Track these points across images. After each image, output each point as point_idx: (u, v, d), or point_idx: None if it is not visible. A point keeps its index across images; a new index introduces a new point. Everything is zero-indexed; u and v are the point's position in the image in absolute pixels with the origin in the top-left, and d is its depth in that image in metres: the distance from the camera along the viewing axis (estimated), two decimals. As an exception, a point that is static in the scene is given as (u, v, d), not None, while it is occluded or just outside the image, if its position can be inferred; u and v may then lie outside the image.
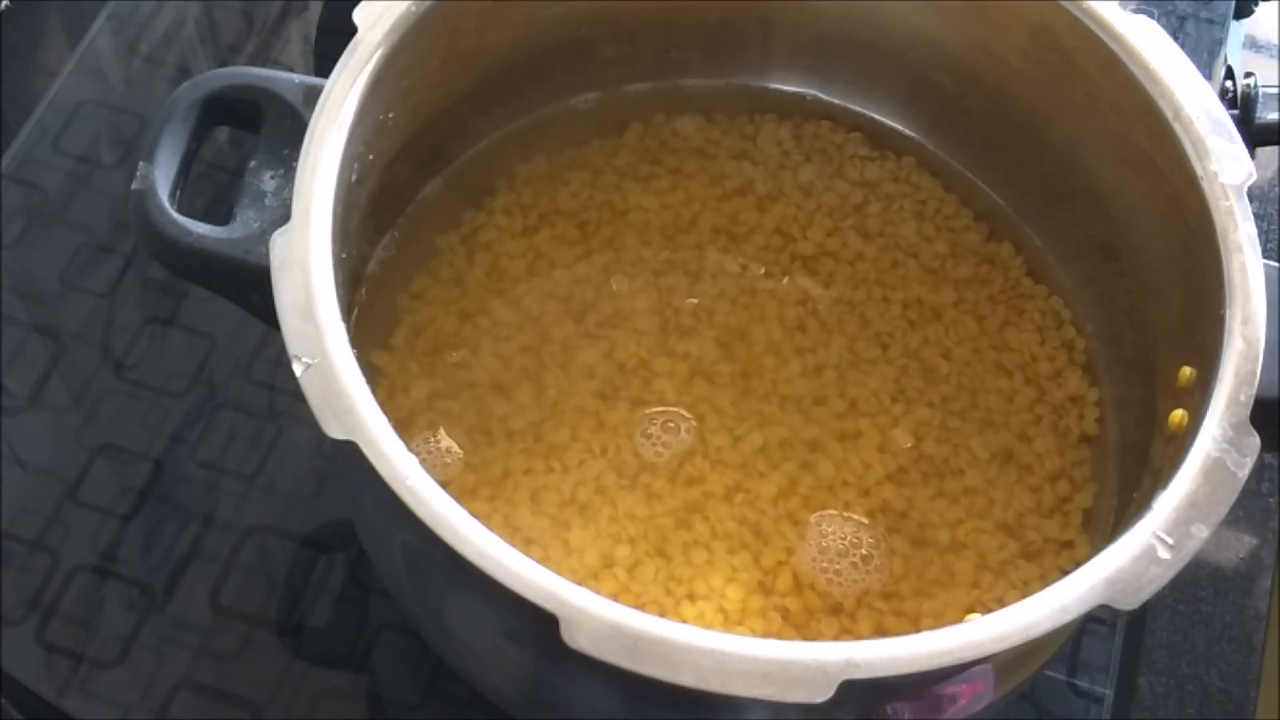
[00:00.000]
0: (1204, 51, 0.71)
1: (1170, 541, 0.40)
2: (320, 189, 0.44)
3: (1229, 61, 0.71)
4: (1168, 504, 0.40)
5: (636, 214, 0.57)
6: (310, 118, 0.45)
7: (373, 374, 0.51)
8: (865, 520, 0.51)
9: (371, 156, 0.49)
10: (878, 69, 0.58)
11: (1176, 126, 0.47)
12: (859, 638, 0.45)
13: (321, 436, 0.39)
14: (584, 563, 0.49)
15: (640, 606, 0.45)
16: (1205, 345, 0.44)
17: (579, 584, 0.38)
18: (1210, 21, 0.72)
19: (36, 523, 0.56)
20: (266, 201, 0.46)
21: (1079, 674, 0.55)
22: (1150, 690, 0.55)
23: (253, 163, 0.47)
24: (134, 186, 0.46)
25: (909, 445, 0.52)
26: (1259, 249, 0.45)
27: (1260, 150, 0.67)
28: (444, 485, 0.39)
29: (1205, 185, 0.46)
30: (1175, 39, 0.49)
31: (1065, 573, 0.40)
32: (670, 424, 0.52)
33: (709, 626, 0.47)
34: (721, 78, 0.60)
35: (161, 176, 0.46)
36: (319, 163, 0.44)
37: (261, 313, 0.45)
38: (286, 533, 0.56)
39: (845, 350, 0.54)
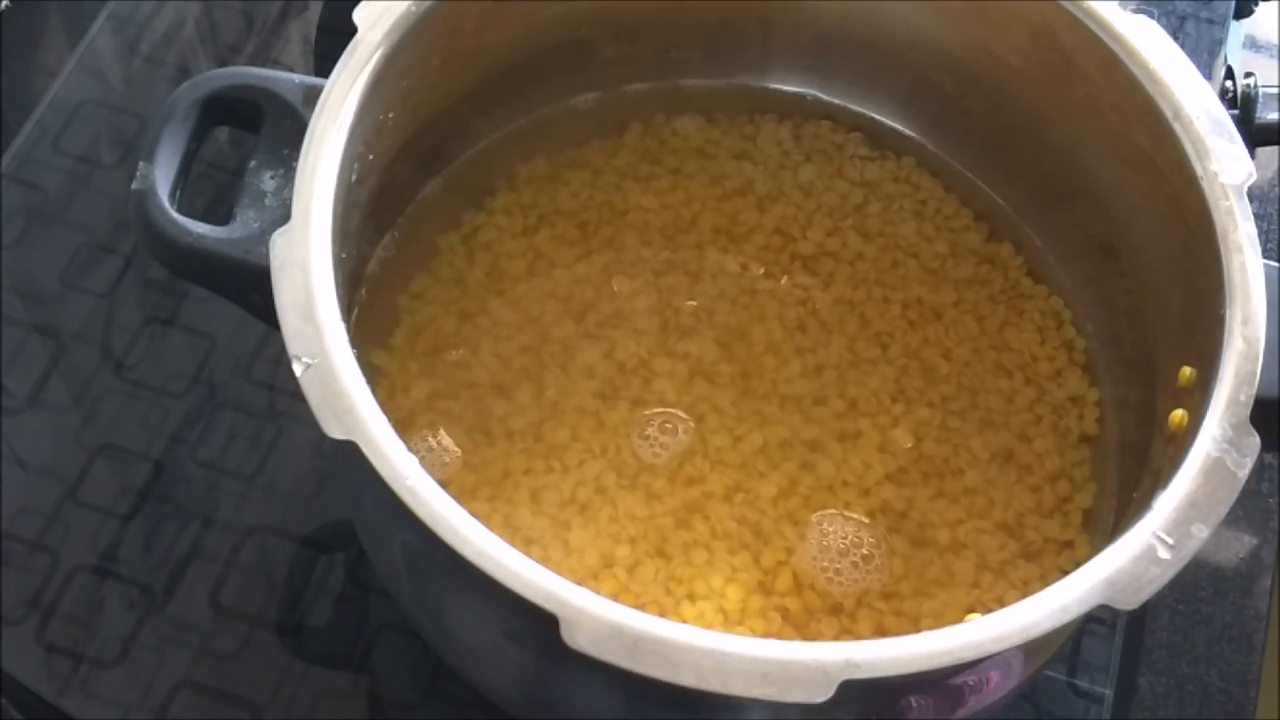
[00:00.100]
0: (1204, 51, 0.71)
1: (1170, 541, 0.40)
2: (320, 189, 0.44)
3: (1229, 61, 0.71)
4: (1168, 504, 0.40)
5: (636, 214, 0.57)
6: (310, 118, 0.45)
7: (373, 374, 0.51)
8: (866, 520, 0.51)
9: (371, 156, 0.49)
10: (878, 69, 0.58)
11: (1176, 126, 0.47)
12: (859, 638, 0.45)
13: (321, 436, 0.39)
14: (584, 563, 0.49)
15: (640, 606, 0.45)
16: (1205, 345, 0.44)
17: (579, 584, 0.38)
18: (1210, 21, 0.72)
19: (36, 523, 0.56)
20: (266, 201, 0.46)
21: (1079, 674, 0.55)
22: (1150, 690, 0.55)
23: (253, 163, 0.47)
24: (134, 186, 0.46)
25: (909, 445, 0.52)
26: (1259, 249, 0.45)
27: (1260, 150, 0.67)
28: (444, 485, 0.39)
29: (1205, 185, 0.46)
30: (1175, 39, 0.49)
31: (1065, 573, 0.40)
32: (668, 425, 0.52)
33: (709, 626, 0.47)
34: (721, 78, 0.60)
35: (161, 176, 0.46)
36: (319, 163, 0.44)
37: (261, 313, 0.45)
38: (286, 533, 0.56)
39: (845, 350, 0.54)
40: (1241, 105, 0.65)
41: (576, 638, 0.37)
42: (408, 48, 0.48)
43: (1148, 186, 0.49)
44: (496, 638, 0.44)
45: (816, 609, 0.49)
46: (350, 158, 0.45)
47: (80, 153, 0.64)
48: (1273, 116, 0.64)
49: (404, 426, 0.51)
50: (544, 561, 0.38)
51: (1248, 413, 0.42)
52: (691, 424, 0.52)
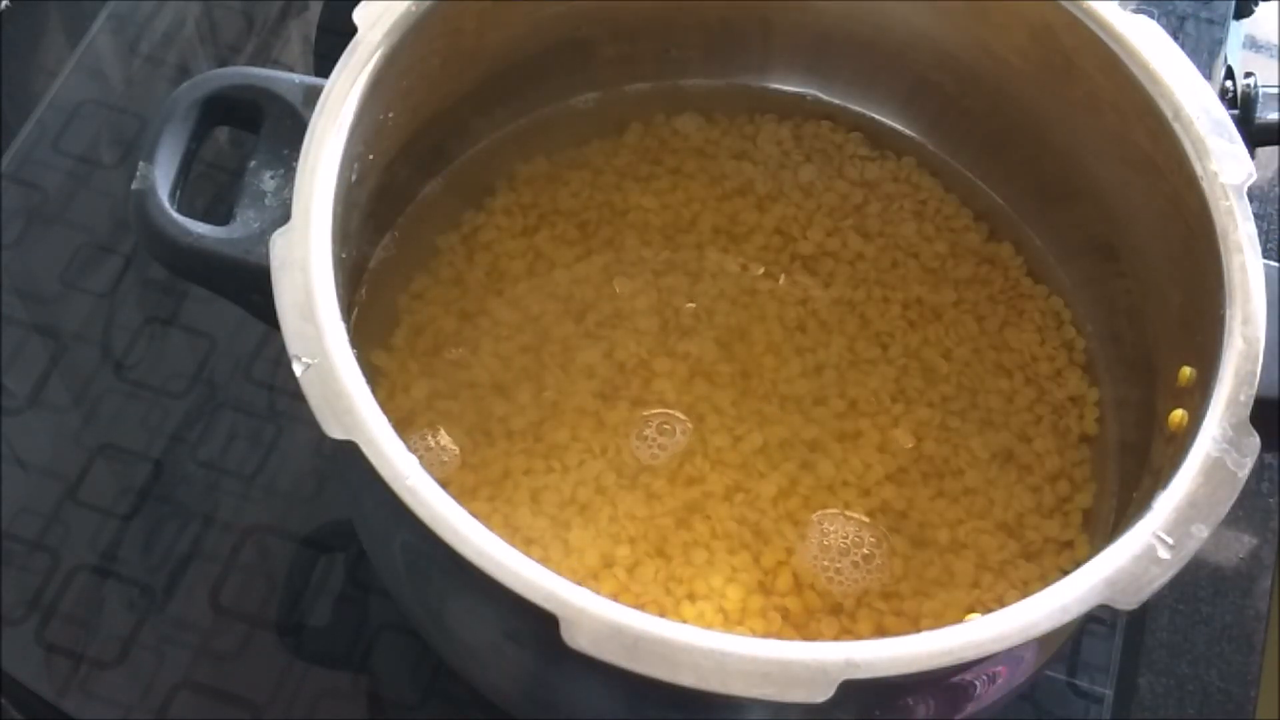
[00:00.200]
0: (1204, 51, 0.71)
1: (1170, 541, 0.40)
2: (320, 189, 0.44)
3: (1229, 61, 0.71)
4: (1168, 504, 0.40)
5: (636, 214, 0.57)
6: (310, 118, 0.45)
7: (373, 374, 0.51)
8: (866, 520, 0.51)
9: (371, 156, 0.49)
10: (878, 69, 0.58)
11: (1176, 126, 0.47)
12: (859, 638, 0.45)
13: (321, 436, 0.39)
14: (584, 563, 0.49)
15: (640, 606, 0.45)
16: (1205, 345, 0.44)
17: (579, 584, 0.38)
18: (1210, 21, 0.72)
19: (36, 523, 0.56)
20: (266, 201, 0.46)
21: (1079, 674, 0.55)
22: (1150, 690, 0.55)
23: (253, 163, 0.47)
24: (134, 186, 0.46)
25: (909, 445, 0.52)
26: (1259, 249, 0.45)
27: (1260, 150, 0.67)
28: (443, 485, 0.39)
29: (1205, 185, 0.46)
30: (1175, 39, 0.49)
31: (1065, 573, 0.40)
32: (666, 426, 0.52)
33: (709, 626, 0.47)
34: (721, 78, 0.60)
35: (161, 176, 0.46)
36: (319, 163, 0.44)
37: (261, 313, 0.45)
38: (286, 533, 0.56)
39: (845, 350, 0.54)
40: (1241, 105, 0.65)
41: (576, 638, 0.37)
42: (408, 48, 0.48)
43: (1148, 186, 0.49)
44: (496, 638, 0.44)
45: (816, 609, 0.49)
46: (350, 158, 0.45)
47: (80, 153, 0.64)
48: (1273, 116, 0.64)
49: (404, 426, 0.51)
50: (544, 561, 0.38)
51: (1248, 413, 0.42)
52: (690, 425, 0.52)
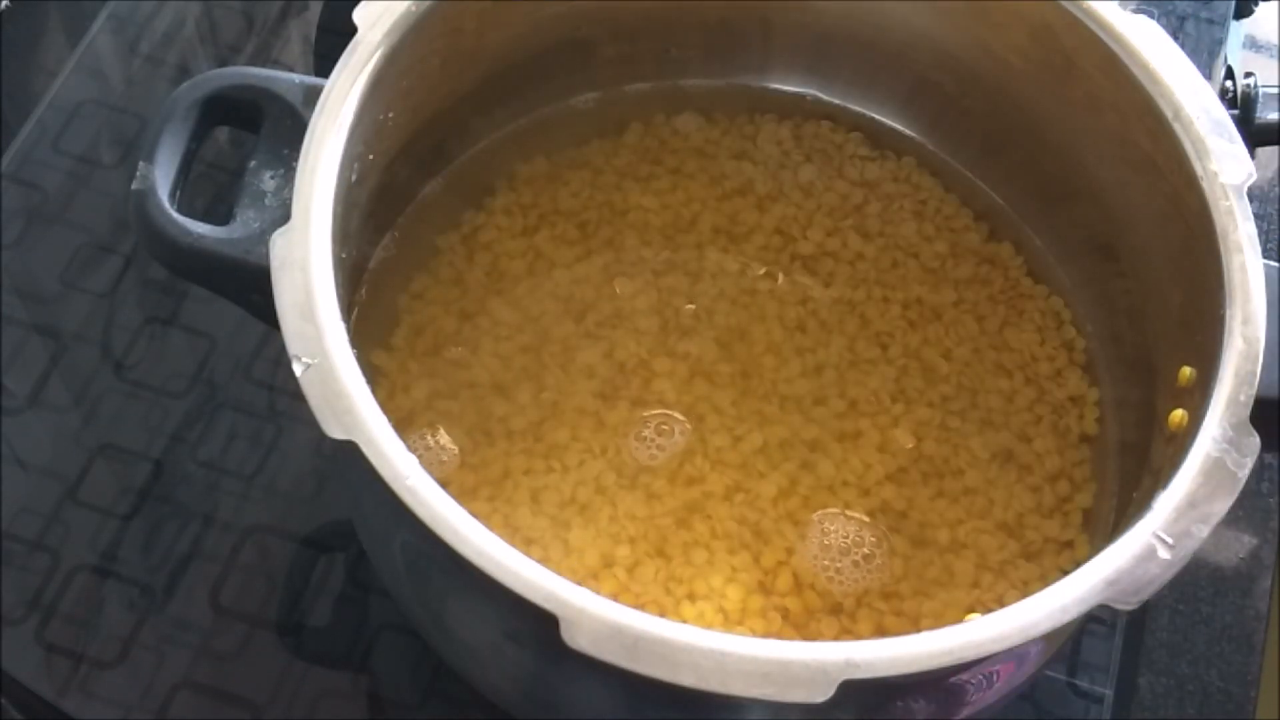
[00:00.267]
0: (1204, 51, 0.71)
1: (1170, 541, 0.40)
2: (320, 189, 0.44)
3: (1229, 61, 0.71)
4: (1168, 504, 0.40)
5: (636, 214, 0.57)
6: (310, 118, 0.45)
7: (373, 374, 0.51)
8: (867, 519, 0.51)
9: (371, 156, 0.49)
10: (878, 69, 0.58)
11: (1176, 126, 0.47)
12: (859, 638, 0.45)
13: (321, 436, 0.39)
14: (584, 563, 0.49)
15: (640, 606, 0.45)
16: (1205, 345, 0.44)
17: (579, 584, 0.38)
18: (1210, 21, 0.72)
19: (36, 523, 0.56)
20: (266, 201, 0.46)
21: (1079, 674, 0.55)
22: (1150, 690, 0.55)
23: (253, 163, 0.47)
24: (134, 186, 0.46)
25: (909, 445, 0.52)
26: (1259, 249, 0.45)
27: (1260, 150, 0.67)
28: (443, 485, 0.39)
29: (1205, 185, 0.46)
30: (1175, 39, 0.49)
31: (1065, 573, 0.40)
32: (664, 427, 0.52)
33: (709, 626, 0.47)
34: (721, 78, 0.60)
35: (161, 176, 0.46)
36: (319, 163, 0.44)
37: (261, 313, 0.45)
38: (286, 533, 0.56)
39: (845, 350, 0.54)
40: (1241, 105, 0.65)
41: (576, 638, 0.37)
42: (408, 48, 0.48)
43: (1148, 186, 0.49)
44: (496, 638, 0.44)
45: (816, 609, 0.49)
46: (350, 158, 0.45)
47: (80, 153, 0.64)
48: (1273, 116, 0.64)
49: (404, 426, 0.51)
50: (544, 561, 0.38)
51: (1248, 413, 0.42)
52: (688, 425, 0.52)
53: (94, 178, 0.64)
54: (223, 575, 0.55)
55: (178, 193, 0.47)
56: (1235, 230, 0.45)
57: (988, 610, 0.42)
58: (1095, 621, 0.56)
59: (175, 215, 0.46)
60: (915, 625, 0.48)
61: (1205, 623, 0.57)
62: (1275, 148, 0.68)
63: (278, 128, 0.47)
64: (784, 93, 0.60)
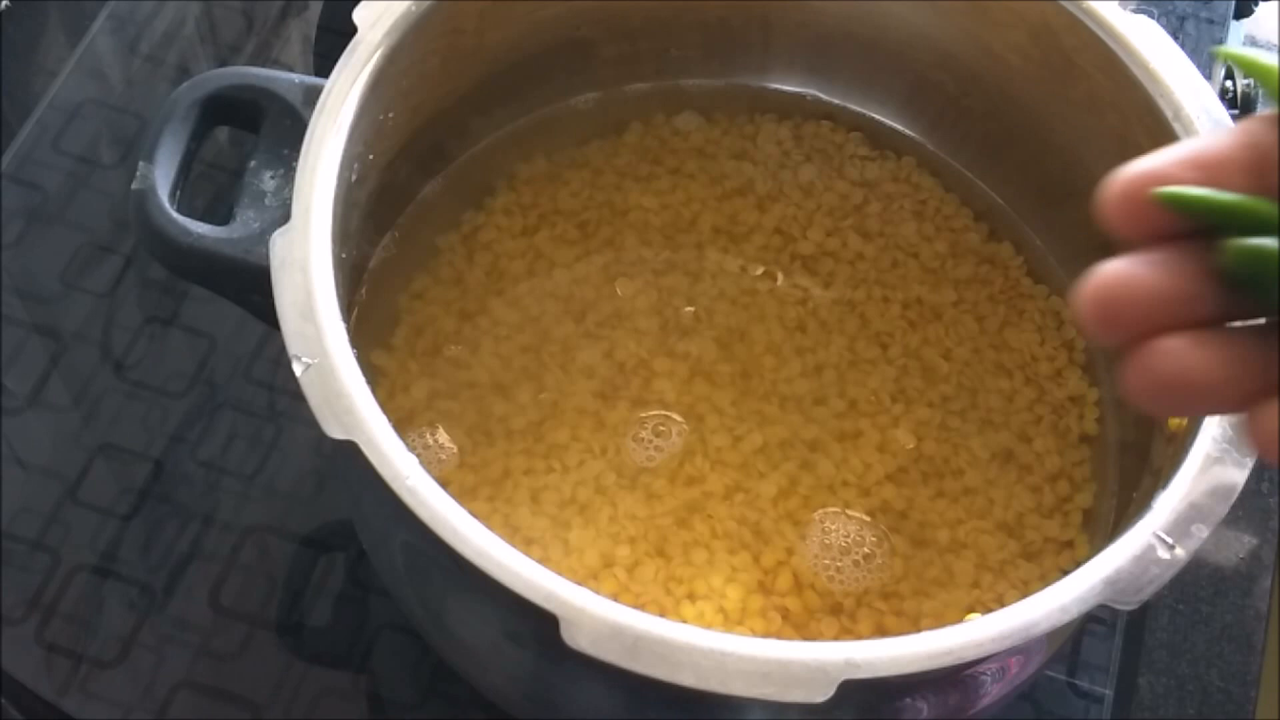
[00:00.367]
0: (1204, 51, 0.71)
1: (1170, 541, 0.40)
2: (320, 189, 0.44)
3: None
4: (1168, 504, 0.40)
5: (636, 214, 0.57)
6: (310, 118, 0.45)
7: (373, 374, 0.51)
8: (867, 519, 0.51)
9: (371, 156, 0.49)
10: (878, 69, 0.58)
11: (1176, 126, 0.47)
12: (859, 638, 0.45)
13: (321, 436, 0.39)
14: (584, 563, 0.49)
15: (640, 606, 0.45)
16: (1205, 345, 0.44)
17: (579, 584, 0.38)
18: (1210, 21, 0.72)
19: (36, 523, 0.56)
20: (266, 201, 0.46)
21: (1079, 674, 0.55)
22: (1150, 690, 0.55)
23: (253, 163, 0.47)
24: (134, 186, 0.46)
25: (909, 445, 0.52)
26: (1259, 249, 0.45)
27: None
28: (443, 485, 0.39)
29: (1205, 185, 0.46)
30: (1175, 39, 0.49)
31: (1065, 573, 0.40)
32: (662, 428, 0.52)
33: (709, 626, 0.47)
34: (721, 78, 0.60)
35: (161, 176, 0.46)
36: (319, 162, 0.44)
37: (261, 313, 0.45)
38: (286, 533, 0.56)
39: (845, 350, 0.54)
40: (1241, 105, 0.65)
41: (576, 638, 0.37)
42: (408, 47, 0.48)
43: (1148, 186, 0.49)
44: (496, 638, 0.44)
45: (816, 609, 0.49)
46: (350, 157, 0.45)
47: (80, 153, 0.64)
48: (1273, 116, 0.64)
49: (404, 426, 0.51)
50: (544, 561, 0.38)
51: (1248, 413, 0.42)
52: (686, 426, 0.52)
53: (94, 178, 0.64)
54: (223, 575, 0.55)
55: (178, 193, 0.47)
56: (1235, 230, 0.45)
57: (988, 610, 0.42)
58: (1095, 621, 0.56)
59: (175, 215, 0.46)
60: (915, 625, 0.48)
61: (1205, 623, 0.57)
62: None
63: (278, 128, 0.47)
64: (784, 93, 0.60)
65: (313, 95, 0.46)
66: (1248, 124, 0.27)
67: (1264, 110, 0.27)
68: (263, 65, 0.64)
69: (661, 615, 0.41)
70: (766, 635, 0.48)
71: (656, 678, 0.37)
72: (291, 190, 0.44)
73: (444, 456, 0.51)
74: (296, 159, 0.44)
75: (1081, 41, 0.50)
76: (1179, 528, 0.40)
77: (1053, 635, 0.40)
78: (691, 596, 0.49)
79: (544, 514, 0.50)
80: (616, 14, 0.56)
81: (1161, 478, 0.42)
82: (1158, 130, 0.48)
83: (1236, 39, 0.73)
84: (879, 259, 0.57)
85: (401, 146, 0.52)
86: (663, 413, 0.52)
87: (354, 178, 0.47)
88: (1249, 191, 0.26)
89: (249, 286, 0.44)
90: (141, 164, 0.46)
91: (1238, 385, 0.25)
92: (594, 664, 0.37)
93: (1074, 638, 0.55)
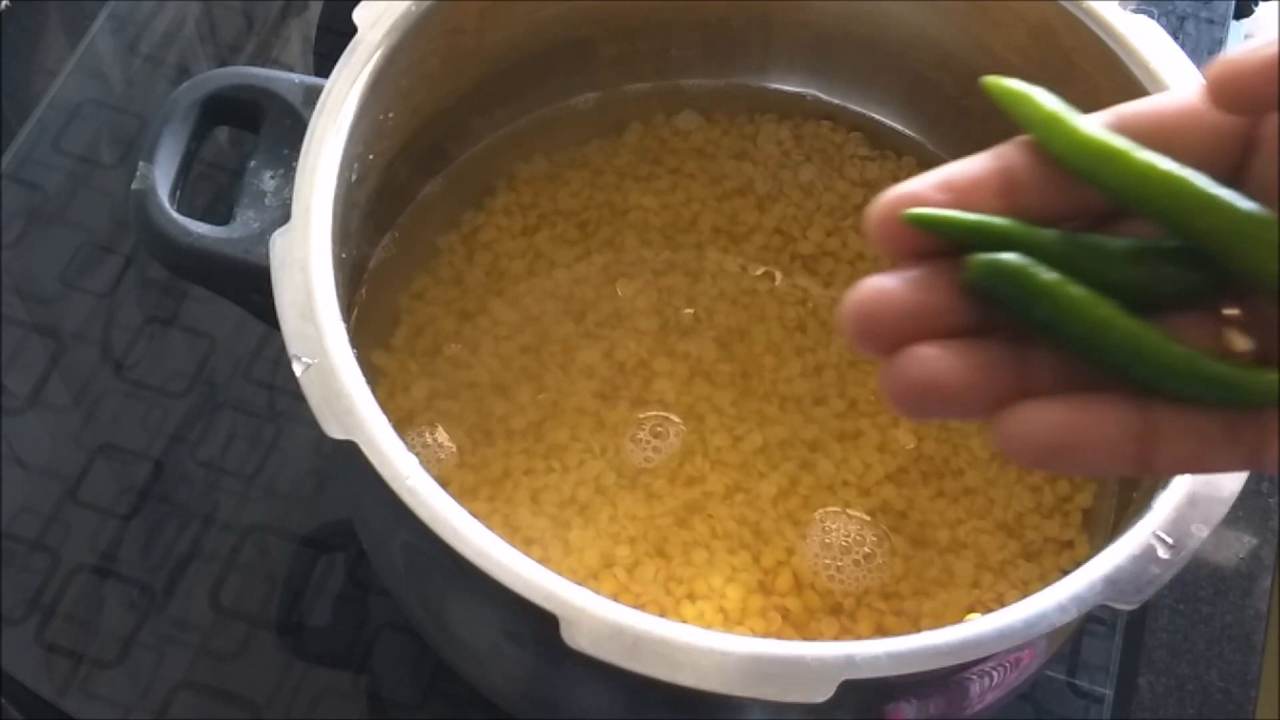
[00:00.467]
0: (1204, 51, 0.71)
1: (1170, 541, 0.40)
2: (320, 189, 0.44)
3: (1229, 61, 0.71)
4: (1168, 503, 0.40)
5: (636, 214, 0.57)
6: (310, 118, 0.45)
7: (373, 374, 0.51)
8: (868, 518, 0.51)
9: (371, 156, 0.49)
10: (878, 69, 0.58)
11: (1176, 126, 0.47)
12: (859, 638, 0.45)
13: (321, 436, 0.39)
14: (584, 563, 0.49)
15: (640, 606, 0.45)
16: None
17: (579, 584, 0.38)
18: (1210, 21, 0.72)
19: (36, 523, 0.56)
20: (266, 201, 0.46)
21: (1079, 674, 0.55)
22: (1150, 690, 0.55)
23: (253, 163, 0.47)
24: (134, 186, 0.46)
25: (909, 445, 0.52)
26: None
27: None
28: (443, 484, 0.39)
29: (1205, 185, 0.46)
30: (1175, 39, 0.49)
31: (1065, 572, 0.40)
32: (659, 429, 0.52)
33: (709, 626, 0.47)
34: (721, 78, 0.60)
35: (161, 176, 0.46)
36: (319, 162, 0.44)
37: (261, 313, 0.45)
38: (286, 533, 0.56)
39: (845, 350, 0.54)
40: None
41: (576, 638, 0.37)
42: (408, 47, 0.48)
43: (1148, 186, 0.49)
44: (496, 638, 0.44)
45: (816, 609, 0.49)
46: (350, 157, 0.45)
47: (80, 153, 0.64)
48: (1273, 116, 0.64)
49: (404, 426, 0.51)
50: (544, 561, 0.38)
51: (1248, 412, 0.42)
52: (684, 427, 0.52)
53: (94, 178, 0.64)
54: (223, 575, 0.55)
55: (178, 193, 0.47)
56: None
57: (988, 610, 0.42)
58: (1095, 621, 0.56)
59: (175, 215, 0.46)
60: (915, 625, 0.48)
61: (1205, 622, 0.57)
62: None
63: (278, 128, 0.47)
64: (784, 93, 0.60)
65: (313, 95, 0.46)
66: (1002, 148, 0.28)
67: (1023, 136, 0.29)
68: (263, 65, 0.64)
69: (661, 615, 0.41)
70: (766, 635, 0.48)
71: (656, 678, 0.37)
72: (291, 190, 0.44)
73: (444, 456, 0.51)
74: (296, 159, 0.44)
75: (1081, 41, 0.49)
76: (1179, 527, 0.40)
77: (1053, 635, 0.40)
78: (691, 596, 0.49)
79: (544, 514, 0.50)
80: (616, 14, 0.56)
81: (1161, 477, 0.42)
82: (1158, 130, 0.47)
83: (1237, 39, 0.73)
84: (879, 259, 0.57)
85: (401, 146, 0.52)
86: (661, 414, 0.52)
87: (354, 178, 0.47)
88: (999, 212, 0.27)
89: (249, 286, 0.44)
90: (141, 164, 0.46)
91: (984, 390, 0.27)
92: (594, 664, 0.37)
93: (1074, 638, 0.55)
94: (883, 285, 0.28)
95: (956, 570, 0.50)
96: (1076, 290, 0.26)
